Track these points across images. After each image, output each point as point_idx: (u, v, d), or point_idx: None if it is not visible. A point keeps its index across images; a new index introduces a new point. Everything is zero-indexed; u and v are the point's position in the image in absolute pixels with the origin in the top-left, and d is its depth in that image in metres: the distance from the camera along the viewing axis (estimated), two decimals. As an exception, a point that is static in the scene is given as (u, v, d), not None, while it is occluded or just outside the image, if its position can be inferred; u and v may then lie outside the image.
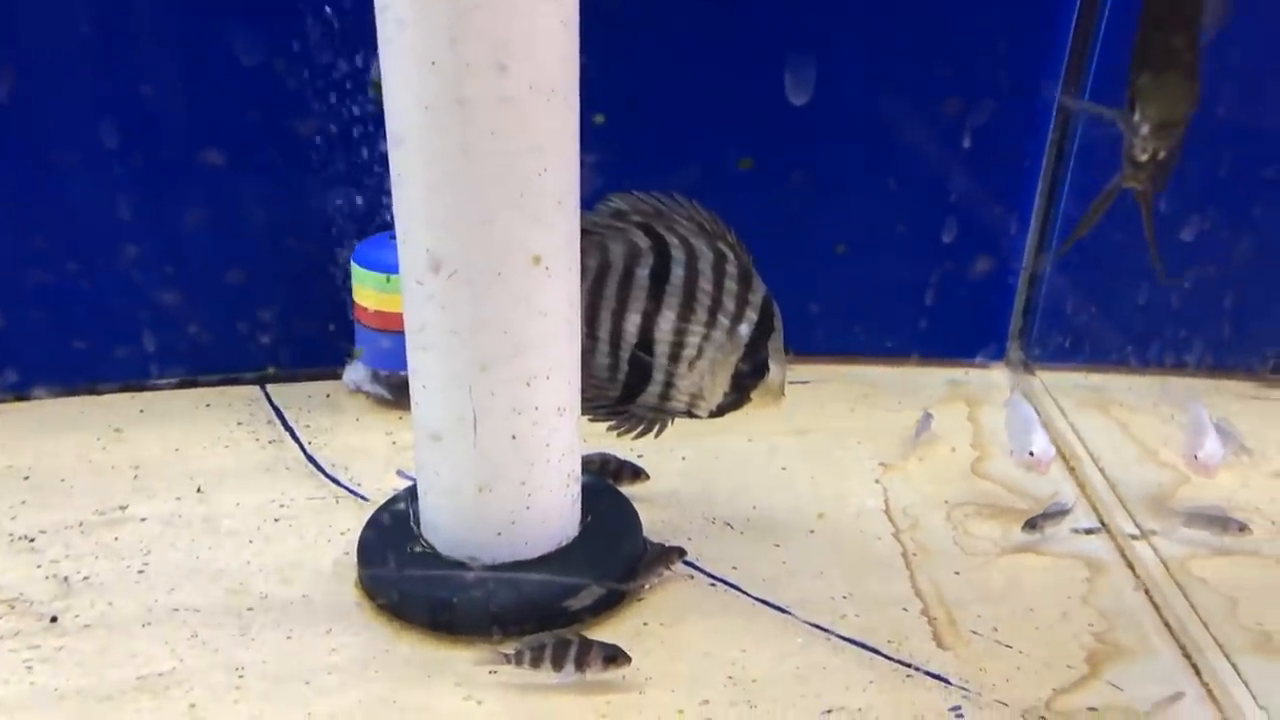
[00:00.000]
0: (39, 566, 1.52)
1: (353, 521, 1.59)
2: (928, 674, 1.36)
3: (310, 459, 1.79)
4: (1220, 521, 1.62)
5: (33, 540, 1.57)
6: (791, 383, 1.52)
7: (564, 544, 1.46)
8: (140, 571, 1.51)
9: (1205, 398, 1.79)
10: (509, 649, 1.31)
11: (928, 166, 1.97)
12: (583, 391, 1.45)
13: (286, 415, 1.92)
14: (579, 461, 1.47)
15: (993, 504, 1.72)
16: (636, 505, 1.59)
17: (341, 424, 1.90)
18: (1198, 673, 1.38)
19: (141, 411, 1.92)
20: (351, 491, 1.71)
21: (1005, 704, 1.31)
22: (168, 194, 1.86)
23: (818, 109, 1.84)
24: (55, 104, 1.77)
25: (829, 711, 1.29)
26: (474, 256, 1.27)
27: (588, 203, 1.41)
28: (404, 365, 1.41)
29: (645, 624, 1.44)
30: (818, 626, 1.44)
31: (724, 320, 1.45)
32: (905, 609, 1.48)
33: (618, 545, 1.50)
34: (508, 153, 1.23)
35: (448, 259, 1.27)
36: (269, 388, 2.00)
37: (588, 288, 1.44)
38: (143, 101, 1.79)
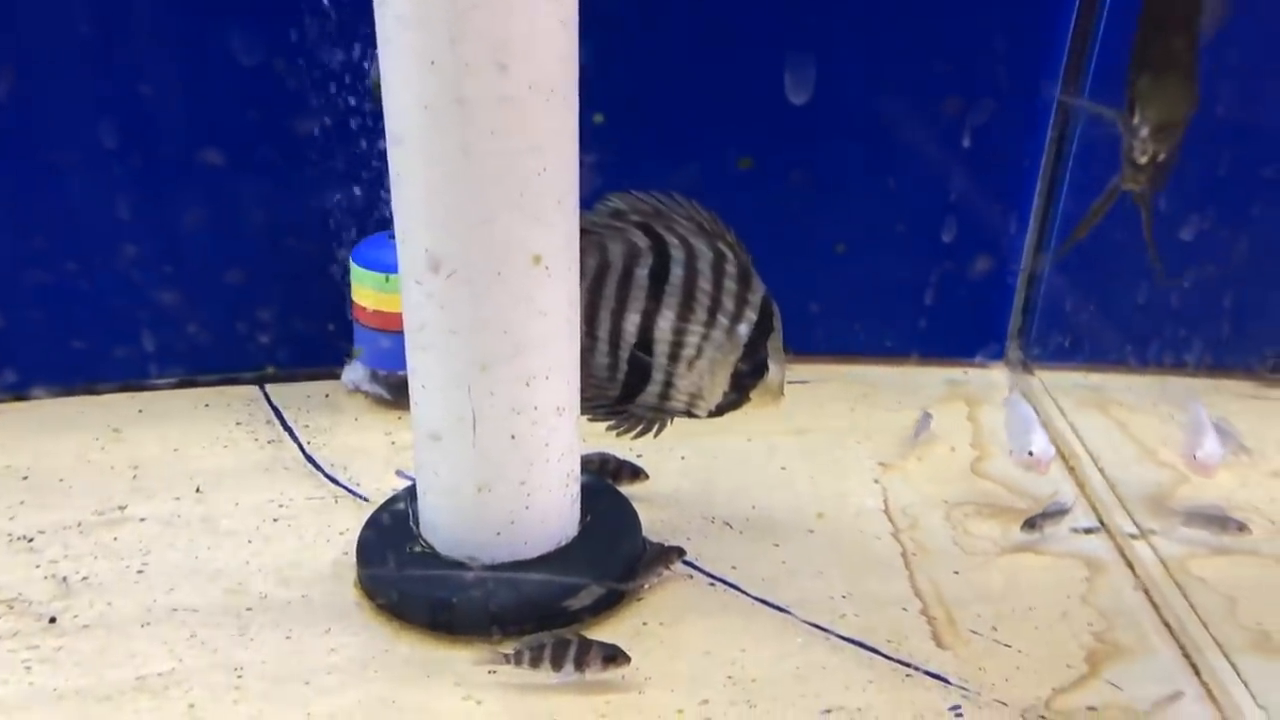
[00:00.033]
0: (38, 567, 1.51)
1: (352, 521, 1.59)
2: (927, 673, 1.36)
3: (309, 459, 1.79)
4: (1219, 521, 1.62)
5: (31, 540, 1.57)
6: (790, 382, 1.52)
7: (563, 544, 1.46)
8: (139, 572, 1.51)
9: (1204, 397, 1.79)
10: (508, 649, 1.31)
11: (927, 166, 1.97)
12: (582, 391, 1.45)
13: (285, 415, 1.92)
14: (578, 461, 1.47)
15: (992, 503, 1.72)
16: (636, 505, 1.59)
17: (340, 424, 1.90)
18: (1197, 672, 1.38)
19: (140, 411, 1.92)
20: (350, 491, 1.71)
21: (1004, 703, 1.31)
22: (166, 194, 1.86)
23: (817, 108, 1.83)
24: (54, 103, 1.77)
25: (828, 711, 1.29)
26: (473, 256, 1.27)
27: (587, 202, 1.41)
28: (403, 365, 1.41)
29: (644, 624, 1.44)
30: (817, 626, 1.44)
31: (723, 320, 1.45)
32: (904, 608, 1.48)
33: (617, 545, 1.50)
34: (507, 152, 1.23)
35: (447, 259, 1.27)
36: (268, 387, 2.00)
37: (587, 287, 1.44)
38: (141, 101, 1.79)
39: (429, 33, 1.17)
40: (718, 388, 1.48)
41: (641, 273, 1.45)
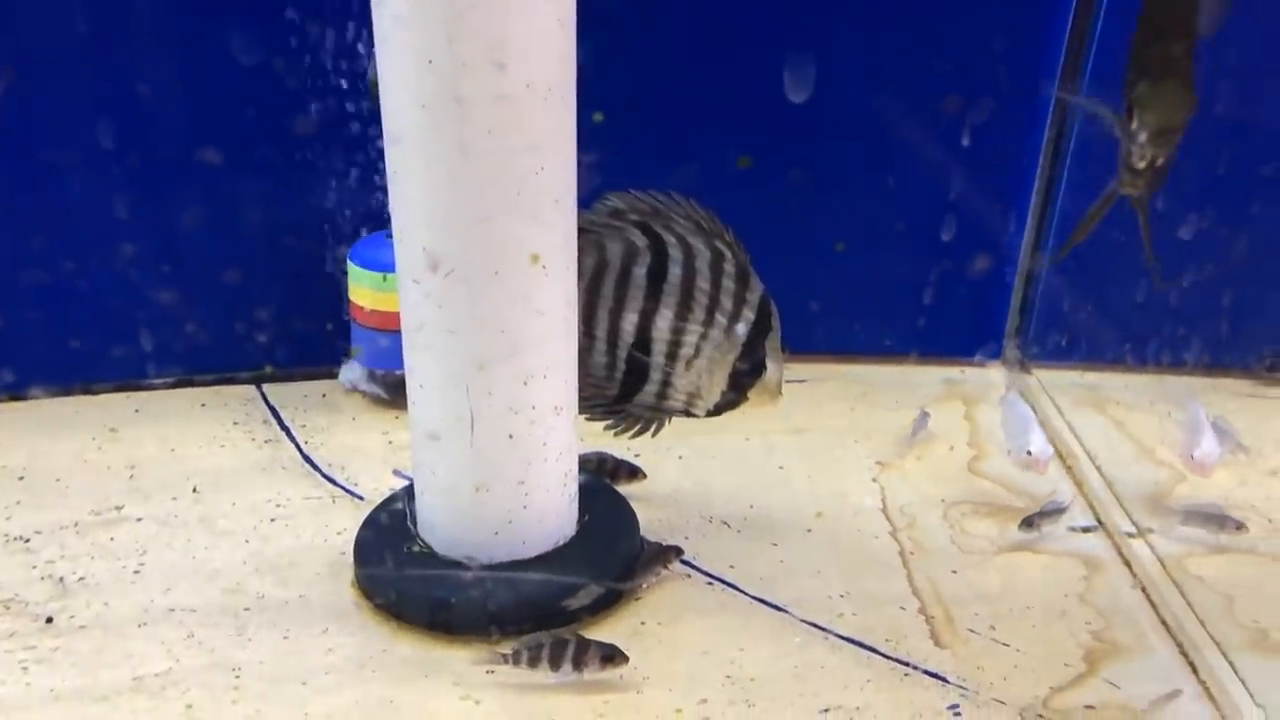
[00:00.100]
0: (34, 567, 1.51)
1: (349, 521, 1.59)
2: (925, 672, 1.36)
3: (307, 459, 1.79)
4: (1217, 519, 1.62)
5: (28, 541, 1.57)
6: (789, 381, 1.52)
7: (561, 543, 1.46)
8: (136, 572, 1.51)
9: (1202, 396, 1.79)
10: (506, 648, 1.31)
11: (926, 165, 1.97)
12: (580, 390, 1.44)
13: (283, 415, 1.91)
14: (576, 460, 1.47)
15: (990, 502, 1.72)
16: (634, 504, 1.58)
17: (338, 423, 1.89)
18: (1195, 670, 1.38)
19: (137, 411, 1.91)
20: (348, 491, 1.71)
21: (1003, 702, 1.31)
22: (164, 193, 1.86)
23: (816, 107, 1.83)
24: (52, 103, 1.77)
25: (827, 710, 1.29)
26: (471, 255, 1.27)
27: (586, 201, 1.41)
28: (400, 364, 1.41)
29: (643, 623, 1.43)
30: (815, 625, 1.44)
31: (721, 319, 1.45)
32: (903, 607, 1.48)
33: (615, 544, 1.50)
34: (505, 151, 1.23)
35: (445, 258, 1.27)
36: (265, 387, 1.99)
37: (585, 286, 1.44)
38: (139, 100, 1.79)
39: (426, 32, 1.17)
40: (716, 387, 1.48)
41: (639, 272, 1.44)
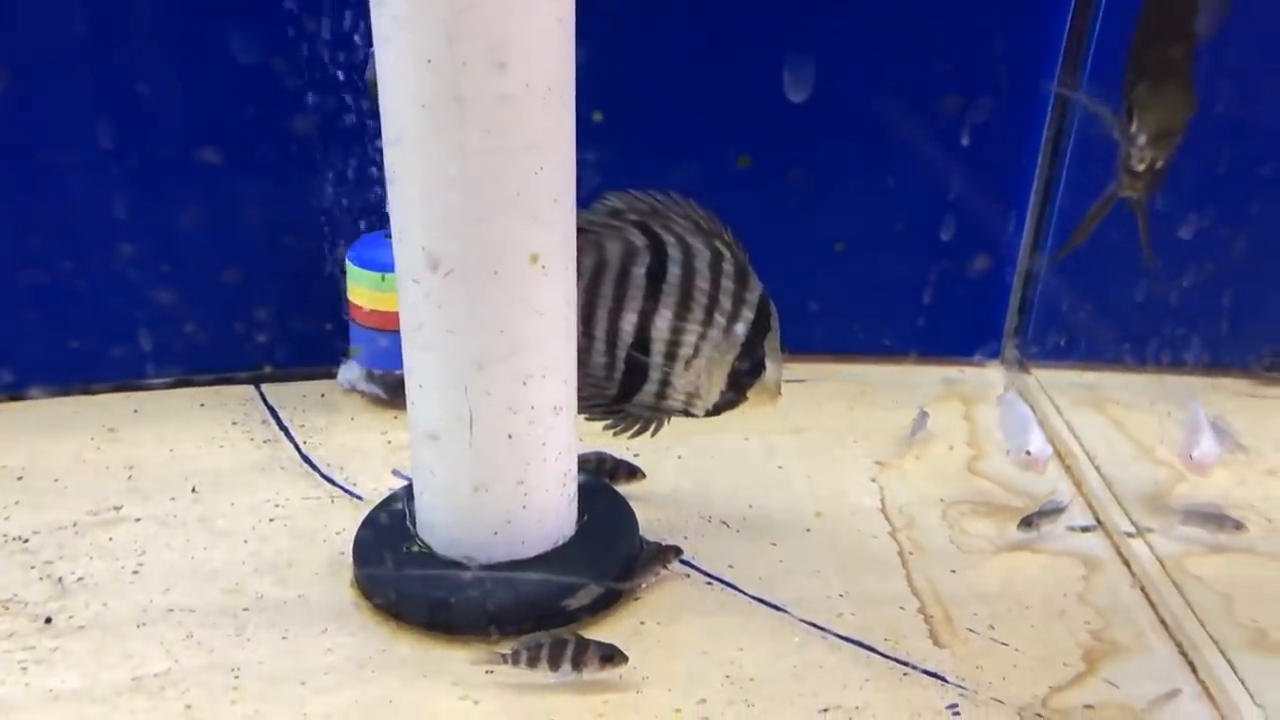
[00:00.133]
0: (33, 568, 1.51)
1: (348, 521, 1.59)
2: (924, 672, 1.36)
3: (305, 459, 1.79)
4: (1216, 519, 1.62)
5: (27, 541, 1.57)
6: (788, 381, 1.52)
7: (561, 543, 1.46)
8: (135, 572, 1.51)
9: (1201, 395, 1.79)
10: (506, 648, 1.31)
11: (925, 165, 1.97)
12: (579, 390, 1.44)
13: (281, 415, 1.91)
14: (575, 460, 1.47)
15: (989, 502, 1.72)
16: (633, 504, 1.58)
17: (337, 423, 1.89)
18: (1194, 670, 1.38)
19: (136, 411, 1.91)
20: (347, 491, 1.71)
21: (1002, 701, 1.31)
22: (163, 193, 1.86)
23: (816, 107, 1.83)
24: (51, 102, 1.77)
25: (826, 710, 1.29)
26: (471, 255, 1.27)
27: (585, 201, 1.40)
28: (399, 364, 1.41)
29: (642, 623, 1.43)
30: (814, 625, 1.44)
31: (720, 319, 1.45)
32: (902, 607, 1.48)
33: (614, 544, 1.50)
34: (504, 151, 1.23)
35: (444, 258, 1.27)
36: (264, 387, 1.99)
37: (584, 286, 1.44)
38: (138, 100, 1.79)
39: (426, 32, 1.17)
40: (715, 387, 1.48)
41: (639, 272, 1.44)
